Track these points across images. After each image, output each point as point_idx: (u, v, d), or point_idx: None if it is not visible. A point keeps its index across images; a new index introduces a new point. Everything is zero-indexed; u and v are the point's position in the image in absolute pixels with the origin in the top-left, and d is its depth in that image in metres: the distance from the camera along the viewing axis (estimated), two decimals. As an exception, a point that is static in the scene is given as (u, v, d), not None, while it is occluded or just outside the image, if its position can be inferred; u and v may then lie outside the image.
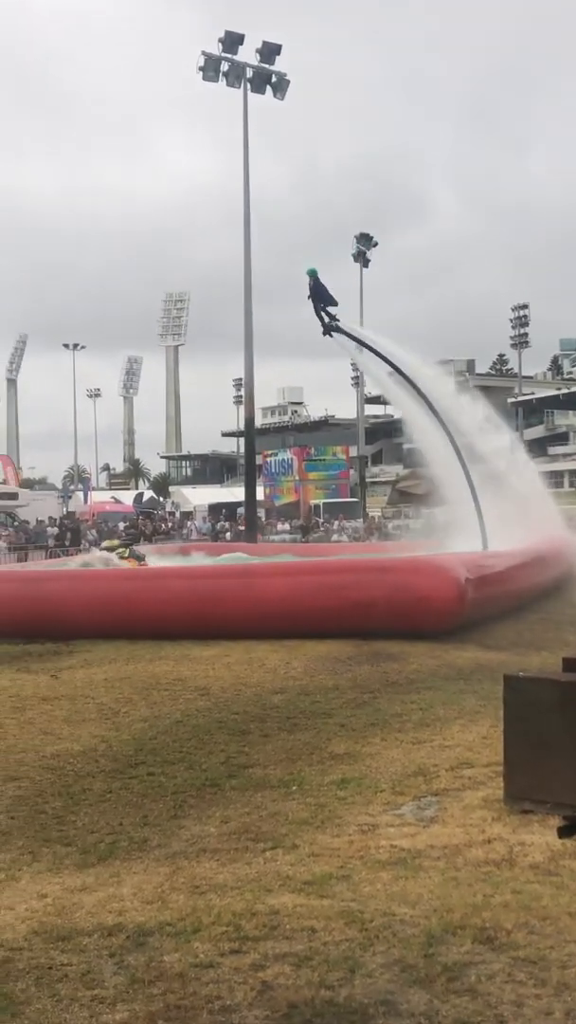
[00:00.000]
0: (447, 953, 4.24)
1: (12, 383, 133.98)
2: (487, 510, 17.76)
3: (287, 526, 43.32)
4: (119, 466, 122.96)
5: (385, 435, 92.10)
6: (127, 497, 63.19)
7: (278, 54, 34.47)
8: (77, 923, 4.75)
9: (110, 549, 18.51)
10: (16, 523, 40.43)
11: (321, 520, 44.93)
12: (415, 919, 4.59)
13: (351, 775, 7.22)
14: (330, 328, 20.52)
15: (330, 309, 20.57)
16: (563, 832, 5.68)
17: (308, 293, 20.47)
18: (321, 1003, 3.86)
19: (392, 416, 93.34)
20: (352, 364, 68.23)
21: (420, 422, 20.85)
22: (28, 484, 69.57)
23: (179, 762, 7.81)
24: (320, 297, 20.48)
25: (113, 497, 63.09)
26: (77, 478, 76.05)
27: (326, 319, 20.44)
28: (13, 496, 47.54)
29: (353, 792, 6.81)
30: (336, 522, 42.85)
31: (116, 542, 19.04)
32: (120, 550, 18.72)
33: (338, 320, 20.65)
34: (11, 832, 6.31)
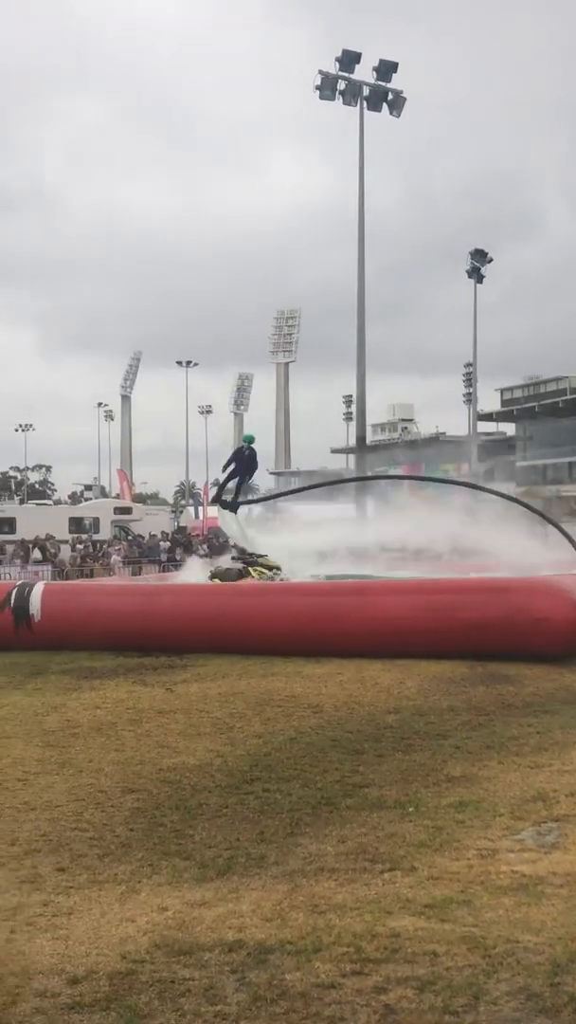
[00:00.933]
0: (573, 983, 4.15)
1: (127, 399, 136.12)
2: None
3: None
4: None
5: (497, 452, 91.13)
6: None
7: (395, 71, 34.54)
8: (198, 938, 4.78)
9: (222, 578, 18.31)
10: (131, 537, 41.07)
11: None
12: (539, 947, 4.51)
13: (469, 798, 7.13)
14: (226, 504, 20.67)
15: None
16: None
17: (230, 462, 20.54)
18: (445, 1030, 3.81)
19: (505, 433, 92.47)
20: (465, 380, 67.75)
21: None
22: (140, 499, 70.63)
23: (294, 779, 7.82)
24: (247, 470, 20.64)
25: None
26: (188, 493, 76.89)
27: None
28: (128, 511, 48.32)
29: (471, 815, 6.73)
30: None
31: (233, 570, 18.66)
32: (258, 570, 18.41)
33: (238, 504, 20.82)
34: (130, 844, 6.39)
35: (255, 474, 21.43)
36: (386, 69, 34.24)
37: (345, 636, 13.82)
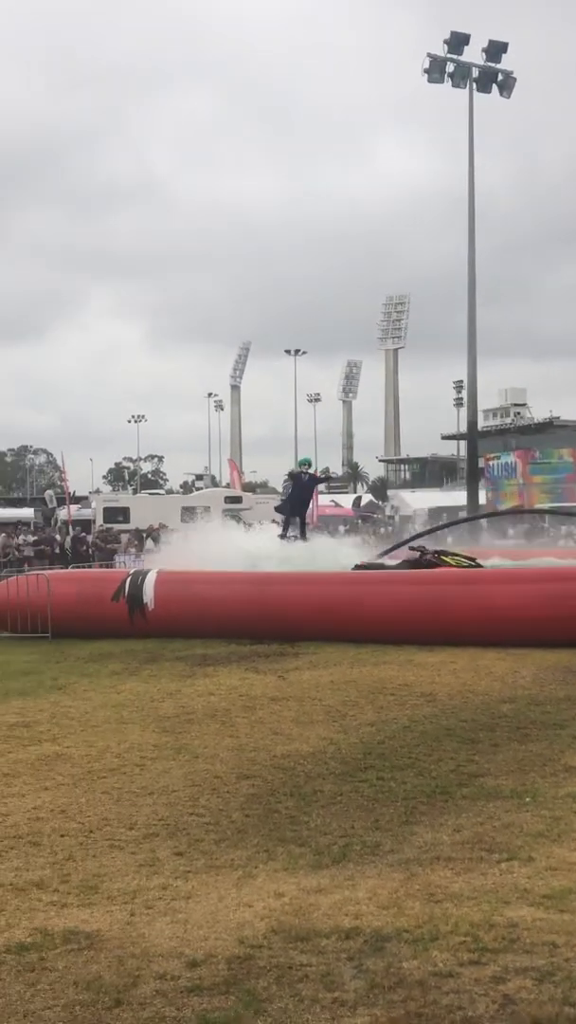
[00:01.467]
0: None
1: (236, 389, 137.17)
2: None
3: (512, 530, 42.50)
4: (338, 470, 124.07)
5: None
6: (346, 501, 63.69)
7: (504, 52, 34.02)
8: (315, 924, 4.80)
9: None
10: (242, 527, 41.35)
11: (546, 525, 43.92)
12: None
13: (587, 788, 7.02)
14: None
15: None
16: None
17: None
18: (566, 1021, 3.76)
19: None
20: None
21: None
22: (250, 487, 71.10)
23: (408, 768, 7.79)
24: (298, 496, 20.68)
25: (332, 501, 63.67)
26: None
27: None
28: (238, 500, 48.70)
29: (589, 806, 6.62)
30: (564, 527, 41.77)
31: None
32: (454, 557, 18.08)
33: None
34: (246, 830, 6.44)
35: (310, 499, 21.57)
36: (495, 50, 33.74)
37: (458, 624, 13.73)
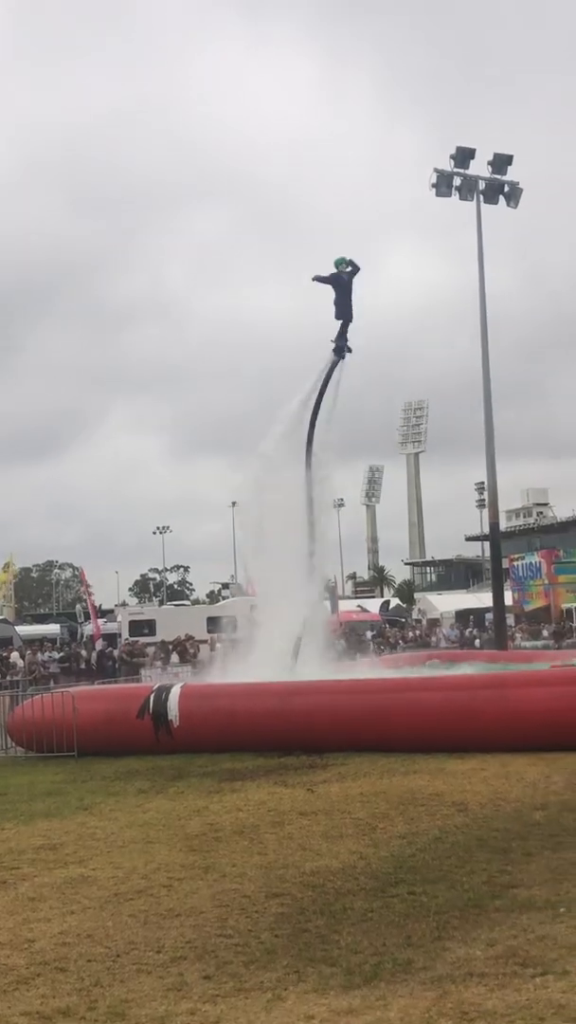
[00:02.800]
0: None
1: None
2: None
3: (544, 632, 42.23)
4: (364, 574, 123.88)
5: None
6: (373, 605, 63.48)
7: (510, 164, 34.86)
8: (346, 1048, 4.70)
9: None
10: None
11: (574, 625, 43.64)
12: None
13: (622, 897, 6.88)
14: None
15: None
16: None
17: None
18: None
19: None
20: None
21: None
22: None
23: (440, 881, 7.65)
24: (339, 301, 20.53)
25: (359, 606, 63.48)
26: (323, 587, 76.98)
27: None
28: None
29: (626, 916, 6.48)
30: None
31: None
32: None
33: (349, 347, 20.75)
34: (276, 951, 6.33)
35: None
36: (501, 162, 34.59)
37: (485, 731, 13.59)
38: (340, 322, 21.23)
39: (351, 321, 21.22)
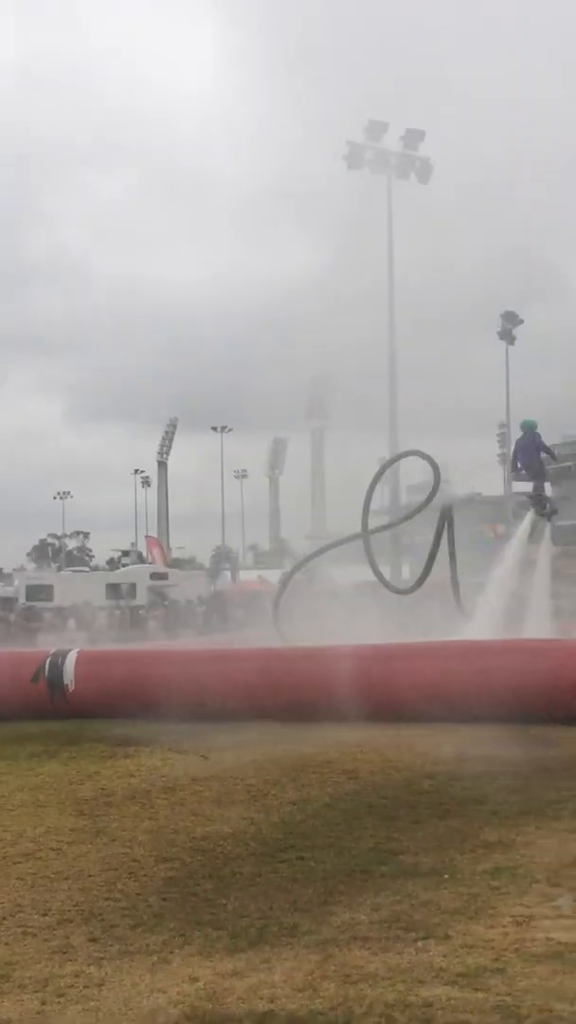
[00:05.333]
0: (609, 1055, 4.08)
1: (163, 465, 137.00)
2: None
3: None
4: (265, 545, 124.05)
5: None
6: (273, 576, 63.66)
7: (422, 140, 35.11)
8: (229, 1008, 4.74)
9: None
10: (166, 603, 41.20)
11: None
12: (573, 1016, 4.44)
13: (504, 864, 7.04)
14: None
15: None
16: None
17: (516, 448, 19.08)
18: None
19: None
20: (499, 440, 67.83)
21: None
22: (177, 564, 70.84)
23: (328, 847, 7.75)
24: (527, 465, 19.06)
25: (259, 576, 63.63)
26: (225, 557, 77.03)
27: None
28: (163, 576, 48.53)
29: (507, 882, 6.64)
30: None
31: None
32: None
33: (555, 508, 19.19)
34: (163, 914, 6.35)
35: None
36: (413, 138, 34.82)
37: (386, 700, 13.74)
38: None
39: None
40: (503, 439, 66.49)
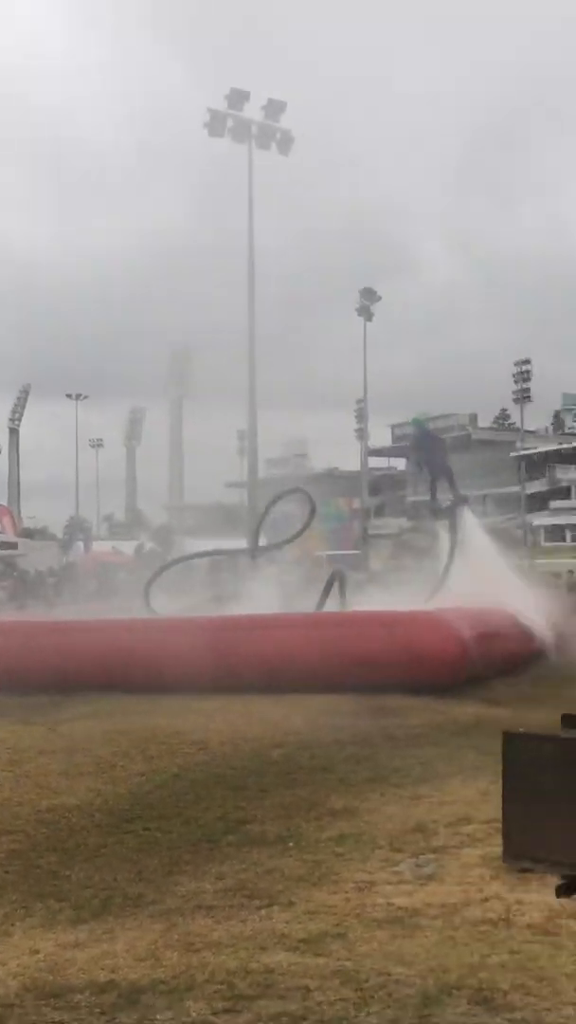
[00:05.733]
0: (442, 1014, 4.19)
1: (14, 432, 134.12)
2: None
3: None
4: (121, 516, 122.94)
5: (388, 488, 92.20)
6: (128, 547, 63.20)
7: (283, 111, 35.09)
8: (69, 980, 4.70)
9: None
10: (15, 573, 40.45)
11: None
12: (411, 979, 4.54)
13: (349, 831, 7.16)
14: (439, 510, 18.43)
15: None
16: (561, 891, 5.61)
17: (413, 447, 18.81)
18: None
19: (396, 468, 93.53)
20: (356, 415, 68.60)
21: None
22: (28, 534, 69.60)
23: (175, 817, 7.75)
24: (428, 460, 18.59)
25: (114, 547, 63.08)
26: (78, 528, 76.00)
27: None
28: (12, 546, 47.64)
29: (351, 848, 6.75)
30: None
31: None
32: None
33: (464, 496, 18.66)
34: (5, 887, 6.25)
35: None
36: (275, 108, 34.77)
37: (234, 671, 13.78)
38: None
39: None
40: (360, 414, 67.25)
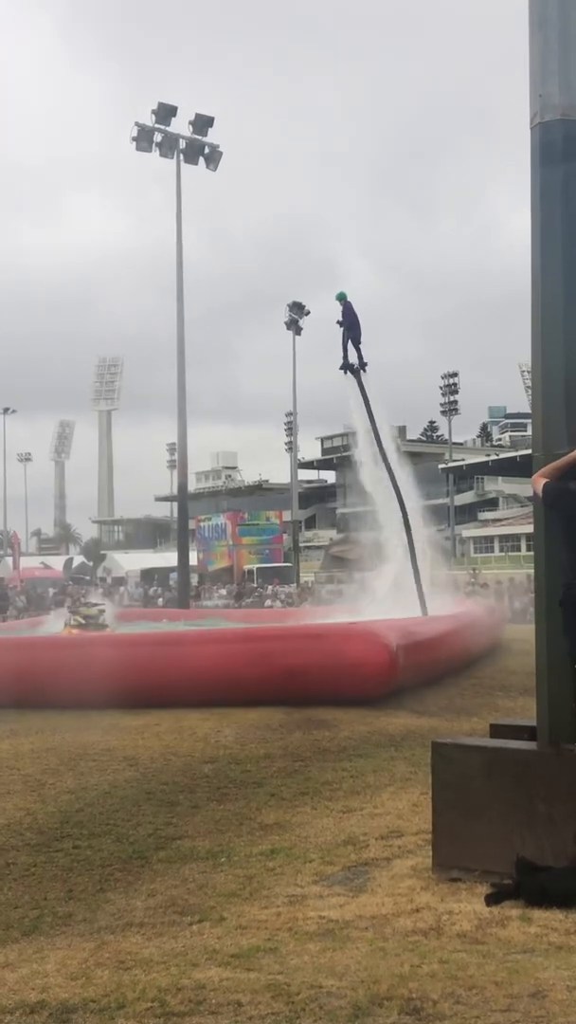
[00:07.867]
0: (373, 1026, 4.21)
1: None
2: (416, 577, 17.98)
3: (224, 591, 43.22)
4: (50, 531, 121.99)
5: (319, 500, 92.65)
6: (57, 563, 62.66)
7: (211, 126, 35.13)
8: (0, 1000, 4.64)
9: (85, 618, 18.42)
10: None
11: (255, 585, 44.88)
12: (342, 991, 4.55)
13: (280, 845, 7.18)
14: (349, 367, 20.40)
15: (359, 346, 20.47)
16: (490, 900, 5.69)
17: (339, 319, 20.44)
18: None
19: (325, 481, 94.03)
20: (286, 429, 68.80)
21: (372, 485, 21.25)
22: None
23: (106, 835, 7.71)
24: (350, 326, 20.33)
25: (43, 563, 62.50)
26: (6, 543, 75.18)
27: (351, 356, 20.36)
28: None
29: (282, 863, 6.77)
30: (270, 587, 42.84)
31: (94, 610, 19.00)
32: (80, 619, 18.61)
33: (365, 362, 20.48)
34: None
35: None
36: (202, 123, 34.81)
37: (163, 687, 13.73)
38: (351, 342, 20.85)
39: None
40: (290, 427, 67.44)
